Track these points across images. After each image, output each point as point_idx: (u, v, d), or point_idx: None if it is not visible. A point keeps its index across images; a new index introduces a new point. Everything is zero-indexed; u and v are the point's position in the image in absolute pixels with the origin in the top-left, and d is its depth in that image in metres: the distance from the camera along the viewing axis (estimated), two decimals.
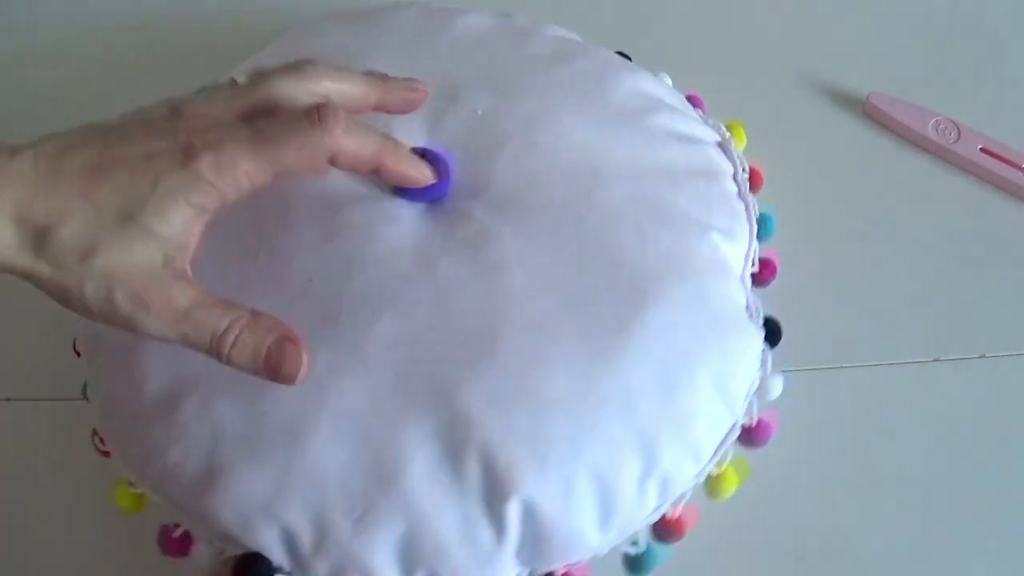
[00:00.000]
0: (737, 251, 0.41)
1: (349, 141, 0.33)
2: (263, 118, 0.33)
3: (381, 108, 0.37)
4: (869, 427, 0.46)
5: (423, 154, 0.38)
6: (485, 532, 0.35)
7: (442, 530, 0.34)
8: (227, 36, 0.62)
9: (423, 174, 0.38)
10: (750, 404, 0.39)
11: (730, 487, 0.38)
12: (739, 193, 0.43)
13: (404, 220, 0.39)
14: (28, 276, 0.32)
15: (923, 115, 0.54)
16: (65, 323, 0.52)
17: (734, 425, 0.38)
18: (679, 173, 0.41)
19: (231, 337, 0.32)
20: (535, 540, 0.35)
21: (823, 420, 0.45)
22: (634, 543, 0.37)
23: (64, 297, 0.32)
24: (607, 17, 0.58)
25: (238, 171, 0.31)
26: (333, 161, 0.33)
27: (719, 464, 0.38)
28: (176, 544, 0.38)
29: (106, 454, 0.41)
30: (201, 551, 0.37)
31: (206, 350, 0.32)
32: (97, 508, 0.46)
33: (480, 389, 0.35)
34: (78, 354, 0.44)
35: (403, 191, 0.39)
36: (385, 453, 0.35)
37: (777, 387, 0.39)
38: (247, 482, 0.35)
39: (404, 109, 0.38)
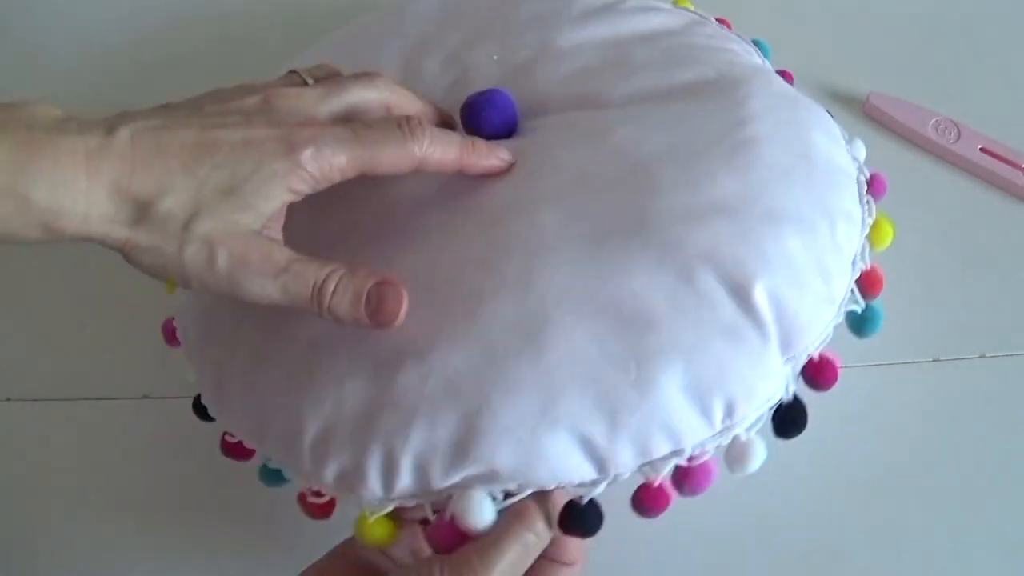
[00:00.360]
0: (759, 60, 0.45)
1: (435, 150, 0.36)
2: (355, 121, 0.36)
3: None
4: (869, 427, 0.46)
5: (487, 95, 0.41)
6: (749, 331, 0.35)
7: (715, 347, 0.34)
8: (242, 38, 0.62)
9: (503, 158, 0.39)
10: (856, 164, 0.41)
11: (888, 234, 0.40)
12: (723, 33, 0.46)
13: None
14: (123, 246, 0.33)
15: (923, 115, 0.54)
16: (65, 323, 0.52)
17: (859, 177, 0.40)
18: (678, 27, 0.45)
19: (331, 285, 0.33)
20: (787, 326, 0.35)
21: (823, 420, 0.45)
22: (855, 304, 0.38)
23: (161, 264, 0.33)
24: None
25: (334, 165, 0.34)
26: (420, 167, 0.36)
27: (870, 213, 0.40)
28: (450, 530, 0.34)
29: (324, 511, 0.37)
30: (478, 506, 0.33)
31: (307, 301, 0.33)
32: (97, 507, 0.46)
33: (669, 212, 0.36)
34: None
35: (480, 133, 0.40)
36: (625, 305, 0.34)
37: (863, 148, 0.42)
38: (512, 408, 0.33)
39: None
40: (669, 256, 0.35)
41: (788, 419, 0.36)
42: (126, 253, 0.33)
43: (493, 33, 0.46)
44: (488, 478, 0.33)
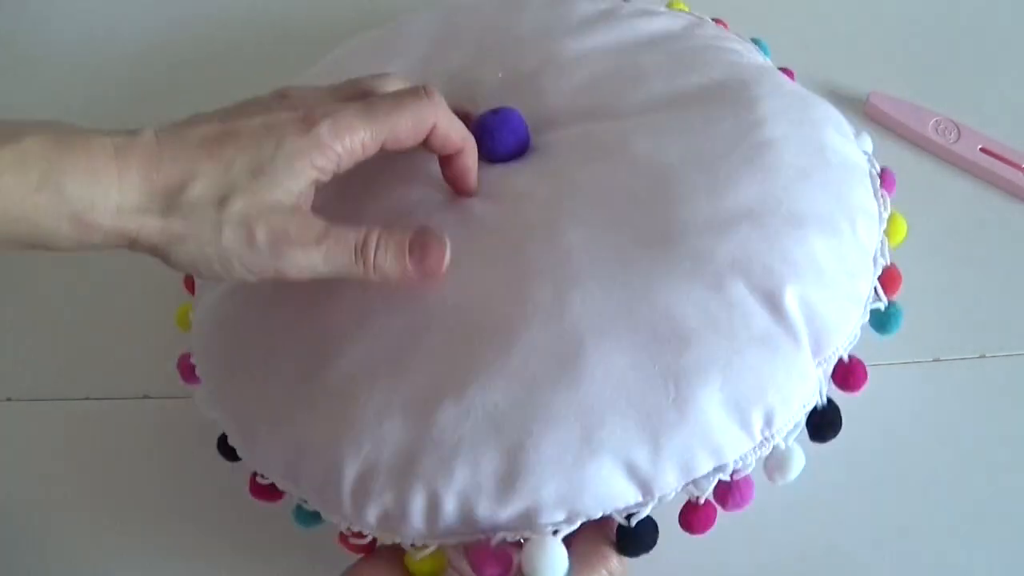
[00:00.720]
0: (761, 59, 0.45)
1: (448, 117, 0.36)
2: (370, 95, 0.36)
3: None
4: (869, 427, 0.45)
5: (499, 115, 0.40)
6: (782, 338, 0.35)
7: (750, 359, 0.34)
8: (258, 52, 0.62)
9: (475, 182, 0.39)
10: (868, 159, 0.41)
11: (902, 228, 0.40)
12: (723, 34, 0.46)
13: (513, 169, 0.40)
14: (159, 238, 0.32)
15: (923, 115, 0.54)
16: (65, 323, 0.52)
17: (871, 171, 0.40)
18: (678, 29, 0.45)
19: (373, 242, 0.34)
20: (817, 329, 0.35)
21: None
22: (878, 302, 0.38)
23: (200, 253, 0.33)
24: None
25: (355, 137, 0.34)
26: (431, 135, 0.36)
27: (886, 208, 0.40)
28: (497, 556, 0.34)
29: (366, 551, 0.37)
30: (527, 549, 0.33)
31: (351, 263, 0.34)
32: (97, 507, 0.46)
33: (693, 222, 0.36)
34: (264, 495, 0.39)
35: (494, 154, 0.40)
36: (659, 324, 0.34)
37: (869, 141, 0.42)
38: (554, 439, 0.33)
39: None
40: (699, 268, 0.35)
41: (824, 423, 0.36)
42: (163, 247, 0.33)
43: (495, 49, 0.45)
44: (534, 511, 0.33)
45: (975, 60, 0.57)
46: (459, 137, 0.37)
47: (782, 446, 0.35)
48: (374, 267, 0.34)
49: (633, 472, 0.33)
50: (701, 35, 0.45)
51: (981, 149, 0.53)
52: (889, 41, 0.58)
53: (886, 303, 0.38)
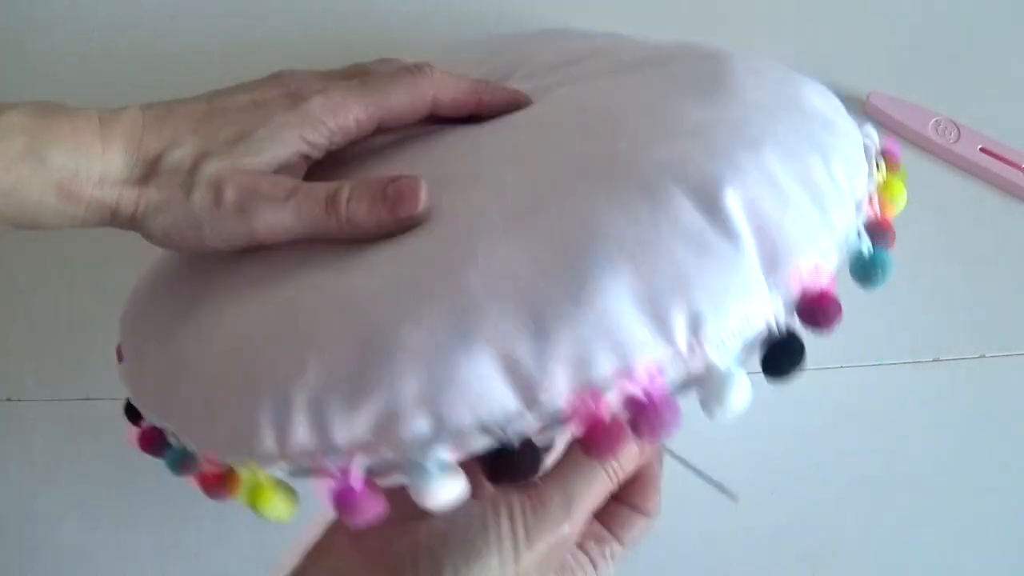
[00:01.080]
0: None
1: (448, 82, 0.36)
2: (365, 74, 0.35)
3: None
4: (869, 427, 0.46)
5: None
6: (717, 239, 0.29)
7: (672, 251, 0.28)
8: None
9: (522, 95, 0.38)
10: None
11: (902, 190, 0.35)
12: None
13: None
14: (136, 207, 0.32)
15: (923, 115, 0.54)
16: (65, 323, 0.52)
17: (865, 141, 0.35)
18: (668, 52, 0.42)
19: (344, 193, 0.32)
20: (769, 242, 0.29)
21: (823, 420, 0.45)
22: (860, 243, 0.32)
23: (172, 222, 0.32)
24: (608, 16, 0.58)
25: (348, 114, 0.34)
26: (436, 105, 0.35)
27: (878, 167, 0.35)
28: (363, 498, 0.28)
29: (218, 483, 0.32)
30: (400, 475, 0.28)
31: (323, 217, 0.32)
32: (97, 507, 0.47)
33: (631, 145, 0.31)
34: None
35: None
36: (565, 218, 0.29)
37: (875, 133, 0.37)
38: (418, 323, 0.28)
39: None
40: (621, 172, 0.30)
41: (779, 351, 0.29)
42: (140, 217, 0.32)
43: (485, 59, 0.44)
44: (393, 416, 0.27)
45: (975, 60, 0.57)
46: (469, 95, 0.36)
47: (720, 366, 0.28)
48: (347, 219, 0.32)
49: (513, 370, 0.27)
50: (689, 48, 0.41)
51: (981, 149, 0.53)
52: (889, 41, 0.58)
53: (871, 248, 0.32)
